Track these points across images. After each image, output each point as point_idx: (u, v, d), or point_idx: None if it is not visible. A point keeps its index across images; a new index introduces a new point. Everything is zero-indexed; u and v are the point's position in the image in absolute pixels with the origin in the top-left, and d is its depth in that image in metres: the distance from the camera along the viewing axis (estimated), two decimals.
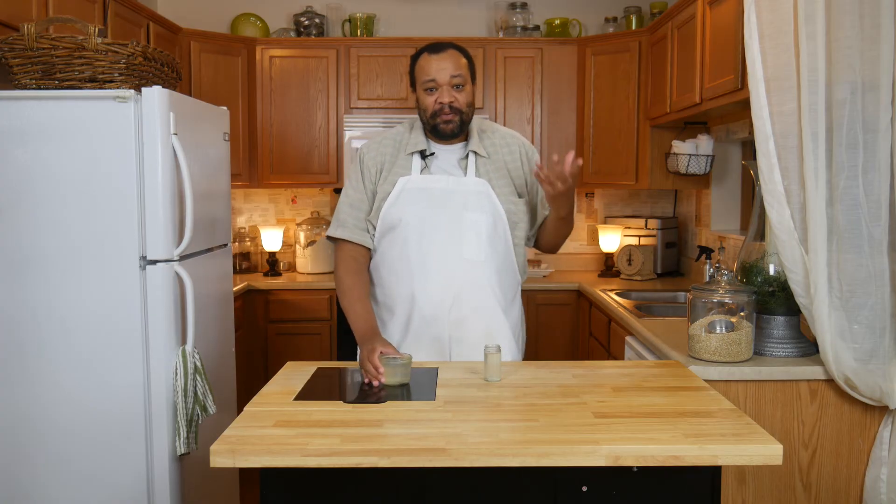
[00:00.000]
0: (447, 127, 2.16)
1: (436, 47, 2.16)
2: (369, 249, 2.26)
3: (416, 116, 2.25)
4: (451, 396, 1.80)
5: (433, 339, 2.20)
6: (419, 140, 2.22)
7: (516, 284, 2.31)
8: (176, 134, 2.38)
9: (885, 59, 1.98)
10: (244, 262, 4.39)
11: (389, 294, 2.24)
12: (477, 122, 2.27)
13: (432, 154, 2.22)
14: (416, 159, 2.21)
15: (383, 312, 2.27)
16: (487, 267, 2.19)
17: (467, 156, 2.21)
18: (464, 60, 2.16)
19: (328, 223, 4.34)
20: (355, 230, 2.24)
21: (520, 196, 2.25)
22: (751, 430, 1.58)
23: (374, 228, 2.23)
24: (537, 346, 4.00)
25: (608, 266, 4.37)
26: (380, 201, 2.22)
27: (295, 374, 2.01)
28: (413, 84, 2.21)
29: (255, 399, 1.80)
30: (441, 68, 2.12)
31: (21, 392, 2.35)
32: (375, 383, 1.89)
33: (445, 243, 2.17)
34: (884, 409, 2.15)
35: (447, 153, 2.23)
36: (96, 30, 2.34)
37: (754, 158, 2.16)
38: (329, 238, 2.28)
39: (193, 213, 2.44)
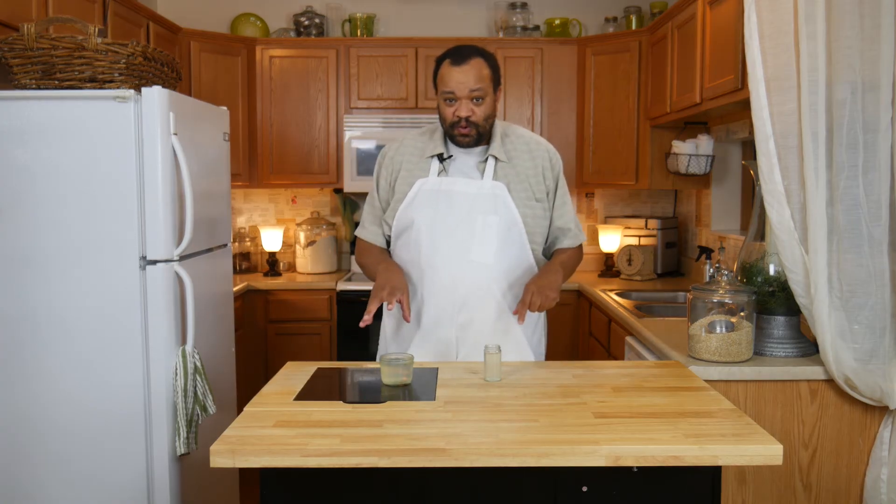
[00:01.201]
0: (463, 140, 2.16)
1: (458, 57, 2.12)
2: (388, 242, 2.34)
3: (438, 117, 2.25)
4: (451, 396, 1.80)
5: (441, 340, 2.21)
6: (438, 144, 2.23)
7: None
8: (176, 134, 2.38)
9: (885, 59, 1.98)
10: (244, 262, 4.39)
11: None
12: (502, 125, 2.26)
13: (450, 157, 2.22)
14: (435, 162, 2.22)
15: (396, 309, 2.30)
16: (496, 270, 2.19)
17: (486, 159, 2.20)
18: (486, 71, 2.13)
19: (328, 223, 4.36)
20: (371, 228, 2.34)
21: (537, 201, 2.23)
22: (751, 430, 1.57)
23: (390, 228, 2.27)
24: None
25: (608, 266, 4.37)
26: (396, 202, 2.24)
27: (295, 374, 2.00)
28: (435, 86, 2.19)
29: (255, 399, 1.80)
30: (460, 82, 2.10)
31: (21, 392, 2.35)
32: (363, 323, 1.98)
33: (453, 245, 2.17)
34: (884, 410, 2.15)
35: (466, 156, 2.23)
36: (96, 30, 2.34)
37: (754, 158, 2.15)
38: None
39: (193, 213, 2.44)
